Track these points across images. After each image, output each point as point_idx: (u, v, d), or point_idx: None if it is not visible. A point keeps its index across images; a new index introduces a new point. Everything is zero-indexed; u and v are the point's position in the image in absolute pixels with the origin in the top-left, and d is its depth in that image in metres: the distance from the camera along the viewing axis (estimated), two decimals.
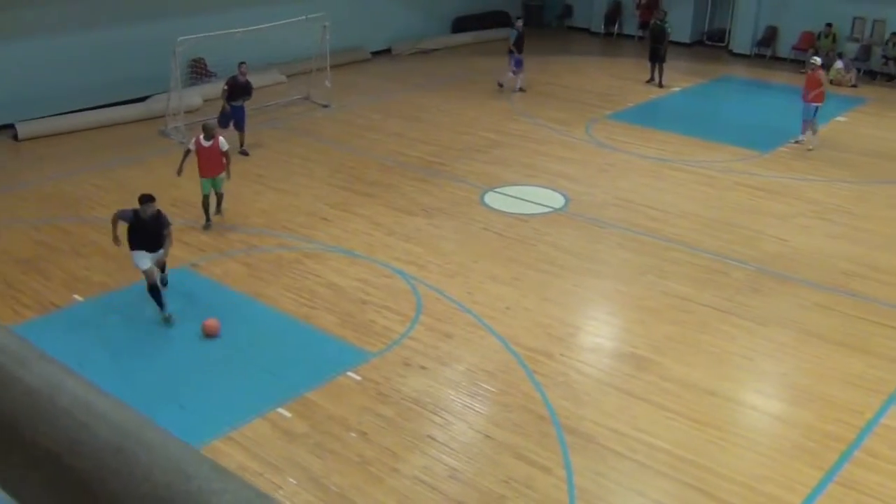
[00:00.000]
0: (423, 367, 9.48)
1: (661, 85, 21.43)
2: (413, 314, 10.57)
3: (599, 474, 7.87)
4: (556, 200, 14.25)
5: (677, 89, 21.33)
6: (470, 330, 10.26)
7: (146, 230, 10.13)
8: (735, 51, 25.75)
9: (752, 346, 10.06)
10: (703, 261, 12.18)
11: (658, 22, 21.58)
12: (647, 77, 21.84)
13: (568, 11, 29.33)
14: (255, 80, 18.70)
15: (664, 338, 10.18)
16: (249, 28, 17.71)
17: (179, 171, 12.84)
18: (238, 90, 15.96)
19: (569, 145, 17.15)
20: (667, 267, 11.98)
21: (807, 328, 10.45)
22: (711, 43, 26.82)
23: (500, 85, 21.13)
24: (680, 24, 26.80)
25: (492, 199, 14.31)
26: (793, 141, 17.26)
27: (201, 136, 12.53)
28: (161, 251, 10.32)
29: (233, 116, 16.12)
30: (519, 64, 20.73)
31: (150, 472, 1.21)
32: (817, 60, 17.47)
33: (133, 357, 9.67)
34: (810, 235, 13.14)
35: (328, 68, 19.40)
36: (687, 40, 26.81)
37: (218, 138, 12.56)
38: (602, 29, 28.20)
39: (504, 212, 13.78)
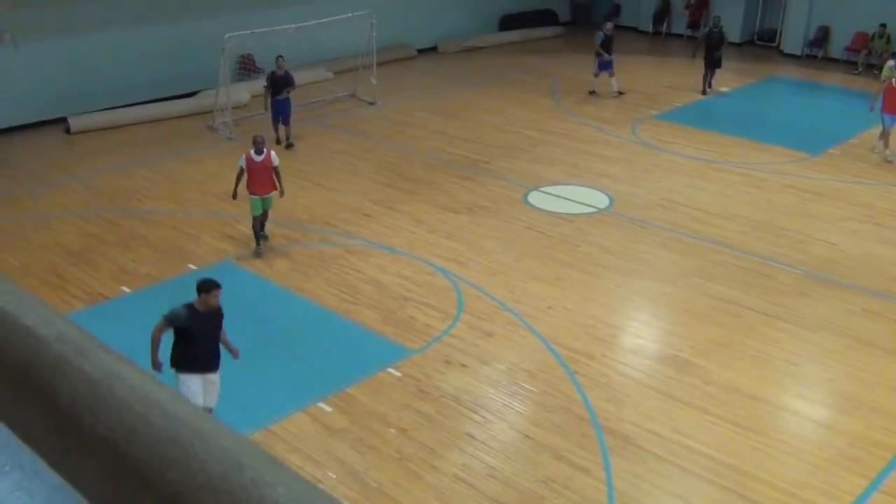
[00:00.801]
0: (463, 365, 9.50)
1: (710, 87, 20.81)
2: (454, 312, 10.60)
3: (639, 477, 7.82)
4: (600, 200, 14.17)
5: (726, 90, 21.05)
6: (511, 329, 10.25)
7: (204, 334, 7.70)
8: (786, 51, 25.34)
9: (798, 352, 9.92)
10: (750, 264, 12.02)
11: (714, 29, 20.63)
12: (701, 88, 20.81)
13: (616, 10, 29.09)
14: (302, 76, 18.90)
15: (708, 341, 10.07)
16: (297, 25, 17.86)
17: (235, 195, 11.85)
18: (279, 84, 16.16)
19: (613, 145, 17.04)
20: (712, 269, 11.85)
21: (855, 334, 10.28)
22: (762, 43, 26.43)
23: (592, 92, 20.51)
24: (730, 24, 26.42)
25: (535, 197, 14.27)
26: (887, 159, 16.28)
27: (251, 151, 11.70)
28: (217, 374, 7.96)
29: (280, 110, 16.28)
30: (605, 66, 20.05)
31: (204, 462, 1.24)
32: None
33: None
34: (861, 240, 12.91)
35: (374, 66, 19.50)
36: (737, 40, 26.44)
37: (270, 152, 11.82)
38: (650, 28, 27.95)
39: (547, 211, 13.74)
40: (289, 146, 16.44)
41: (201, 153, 16.35)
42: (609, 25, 20.18)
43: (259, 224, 11.98)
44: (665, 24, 27.79)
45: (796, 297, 11.15)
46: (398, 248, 12.33)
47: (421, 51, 24.60)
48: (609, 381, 9.27)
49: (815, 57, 24.87)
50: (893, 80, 16.13)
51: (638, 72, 22.75)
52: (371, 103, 19.52)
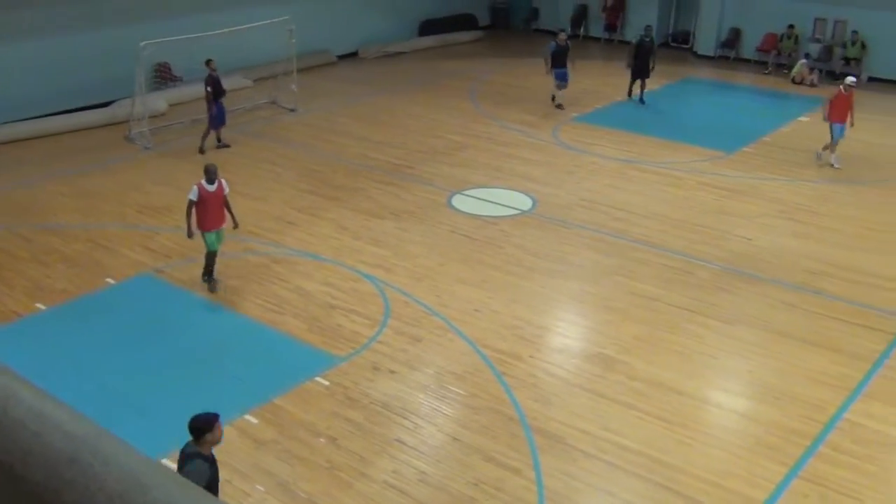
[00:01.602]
0: (391, 371, 9.46)
1: (642, 101, 20.36)
2: (381, 318, 10.55)
3: (569, 475, 7.90)
4: (524, 202, 14.30)
5: (630, 81, 21.46)
6: (438, 333, 10.26)
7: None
8: (699, 52, 26.00)
9: (719, 345, 10.16)
10: (670, 261, 12.28)
11: (645, 37, 20.13)
12: (626, 92, 20.74)
13: (534, 14, 29.45)
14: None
15: (632, 338, 10.24)
16: (214, 32, 17.59)
17: (191, 233, 10.81)
18: (219, 86, 16.15)
19: (535, 147, 17.22)
20: (634, 267, 12.06)
21: (773, 326, 10.58)
22: (676, 45, 27.06)
23: (559, 106, 19.84)
24: (642, 26, 27.02)
25: (459, 201, 14.32)
26: (834, 167, 16.16)
27: (203, 181, 10.72)
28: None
29: (221, 114, 16.32)
30: (561, 77, 19.50)
31: (104, 482, 1.20)
32: (853, 80, 16.36)
33: (95, 365, 9.54)
34: (775, 235, 13.30)
35: (294, 72, 19.32)
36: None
37: (222, 181, 10.89)
38: (568, 31, 28.29)
39: (471, 214, 13.80)
40: (225, 146, 16.59)
41: (118, 164, 15.95)
42: (563, 36, 19.73)
43: (214, 259, 11.08)
44: (582, 28, 28.22)
45: (715, 292, 11.42)
46: (323, 256, 12.23)
47: (341, 57, 24.48)
48: (537, 381, 9.35)
49: (727, 58, 25.58)
50: (842, 88, 16.01)
51: None
52: (292, 110, 19.34)
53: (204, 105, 16.35)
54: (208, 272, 11.16)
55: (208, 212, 10.74)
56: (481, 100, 20.81)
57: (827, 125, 16.21)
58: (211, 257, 11.04)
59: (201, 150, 16.31)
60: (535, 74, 23.34)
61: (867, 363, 9.77)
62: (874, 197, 14.96)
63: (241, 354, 9.83)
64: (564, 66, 19.49)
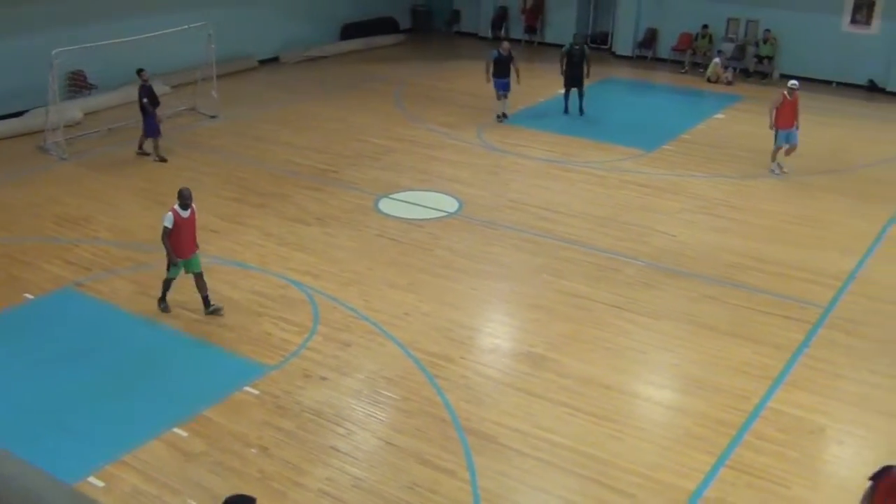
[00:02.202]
0: (322, 378, 9.37)
1: (581, 112, 19.59)
2: (310, 325, 10.45)
3: (502, 474, 7.93)
4: (450, 204, 14.33)
5: (563, 91, 21.70)
6: (369, 338, 10.20)
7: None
8: (618, 53, 26.46)
9: (646, 340, 10.34)
10: (596, 258, 12.45)
11: (575, 45, 19.39)
12: (563, 108, 19.80)
13: (456, 17, 29.57)
14: (135, 91, 18.21)
15: (561, 335, 10.35)
16: (130, 38, 17.20)
17: (174, 261, 10.29)
18: (153, 95, 15.87)
19: (461, 149, 17.28)
20: (561, 266, 12.19)
21: (697, 320, 10.81)
22: (595, 45, 27.45)
23: (502, 116, 19.21)
24: (564, 28, 27.41)
25: (386, 205, 14.28)
26: (781, 172, 16.08)
27: (177, 207, 10.17)
28: None
29: (153, 124, 16.02)
30: (501, 87, 18.78)
31: (8, 502, 1.15)
32: (795, 83, 15.95)
33: (18, 384, 9.22)
34: (696, 230, 13.60)
35: (214, 78, 19.01)
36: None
37: (192, 205, 10.37)
38: (489, 33, 28.53)
39: (399, 218, 13.77)
40: (162, 160, 16.18)
41: (33, 175, 15.46)
42: (506, 45, 18.89)
43: (204, 293, 10.53)
44: (503, 30, 28.42)
45: (641, 287, 11.62)
46: (249, 264, 12.05)
47: (262, 61, 24.19)
48: (468, 382, 9.37)
49: (644, 58, 26.09)
50: (786, 93, 15.69)
51: (480, 76, 23.11)
52: (213, 117, 19.02)
53: (122, 113, 15.98)
54: (163, 295, 10.67)
55: (182, 239, 10.24)
56: (406, 103, 20.80)
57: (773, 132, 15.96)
58: (169, 284, 10.56)
59: (143, 153, 16.24)
60: (459, 77, 23.49)
61: (788, 352, 10.06)
62: (790, 191, 15.42)
63: (168, 367, 9.61)
64: (506, 75, 18.71)
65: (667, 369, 9.86)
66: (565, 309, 10.99)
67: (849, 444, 8.59)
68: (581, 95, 19.62)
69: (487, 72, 18.79)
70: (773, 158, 16.21)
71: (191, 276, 10.54)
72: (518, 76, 18.87)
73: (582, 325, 10.62)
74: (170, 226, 10.15)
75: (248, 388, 9.14)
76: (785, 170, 16.12)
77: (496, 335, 10.52)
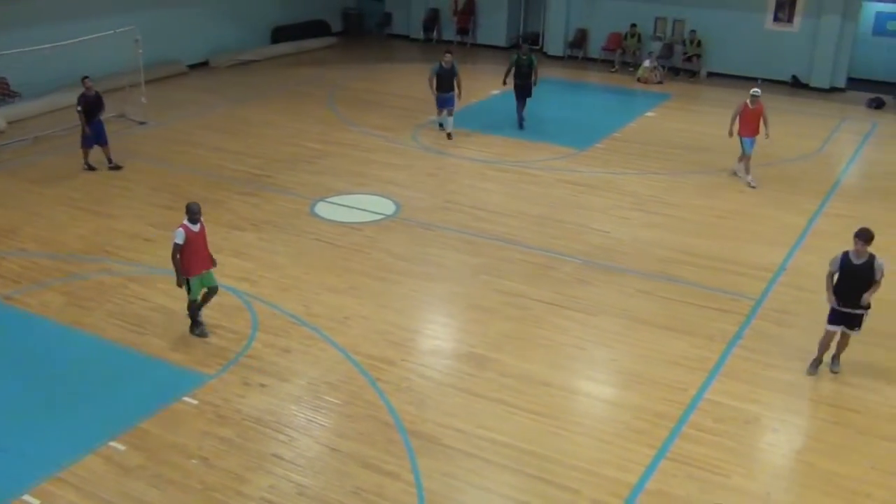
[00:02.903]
0: (262, 385, 9.27)
1: (521, 126, 18.85)
2: (249, 331, 10.32)
3: (447, 475, 7.95)
4: (387, 207, 14.31)
5: (497, 92, 21.86)
6: (309, 343, 10.13)
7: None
8: (549, 53, 26.74)
9: (584, 336, 10.47)
10: (534, 257, 12.56)
11: (522, 56, 18.49)
12: (517, 123, 18.96)
13: (387, 19, 29.54)
14: (62, 98, 17.82)
15: (500, 335, 10.42)
16: (54, 44, 16.77)
17: (181, 282, 9.88)
18: (93, 105, 15.43)
19: (396, 152, 17.26)
20: (499, 266, 12.27)
21: (633, 315, 10.98)
22: (526, 46, 27.67)
23: (442, 129, 18.31)
24: (495, 29, 27.65)
25: (322, 209, 14.19)
26: (750, 185, 15.62)
27: (186, 221, 9.82)
28: None
29: (94, 134, 15.55)
30: (445, 103, 17.81)
31: None
32: (757, 91, 15.61)
33: None
34: (630, 226, 13.82)
35: (143, 83, 18.67)
36: (503, 44, 27.64)
37: (201, 219, 10.01)
38: (421, 35, 28.58)
39: (336, 221, 13.70)
40: (116, 168, 15.76)
41: None
42: (447, 57, 17.73)
43: (199, 306, 10.19)
44: (435, 31, 28.52)
45: (578, 284, 11.76)
46: None
47: (192, 66, 23.83)
48: (410, 384, 9.37)
49: (575, 58, 26.43)
50: (749, 101, 15.36)
51: (413, 78, 23.17)
52: (142, 123, 18.66)
53: (49, 121, 15.58)
54: (194, 320, 10.22)
55: (194, 254, 9.82)
56: (339, 106, 20.70)
57: (737, 140, 15.68)
58: (195, 304, 10.10)
59: (90, 167, 15.71)
60: (392, 79, 23.50)
61: (722, 344, 10.29)
62: (719, 186, 15.77)
63: (103, 379, 9.39)
64: (449, 89, 17.69)
65: (605, 364, 9.99)
66: (504, 308, 11.07)
67: (783, 432, 8.82)
68: (525, 107, 18.88)
69: (431, 87, 17.74)
70: (747, 170, 15.74)
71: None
72: (459, 91, 17.89)
73: (521, 323, 10.70)
74: (181, 242, 9.70)
75: (186, 398, 8.99)
76: (753, 184, 15.64)
77: (437, 337, 10.53)
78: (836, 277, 9.46)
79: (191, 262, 9.85)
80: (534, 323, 10.72)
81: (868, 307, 9.43)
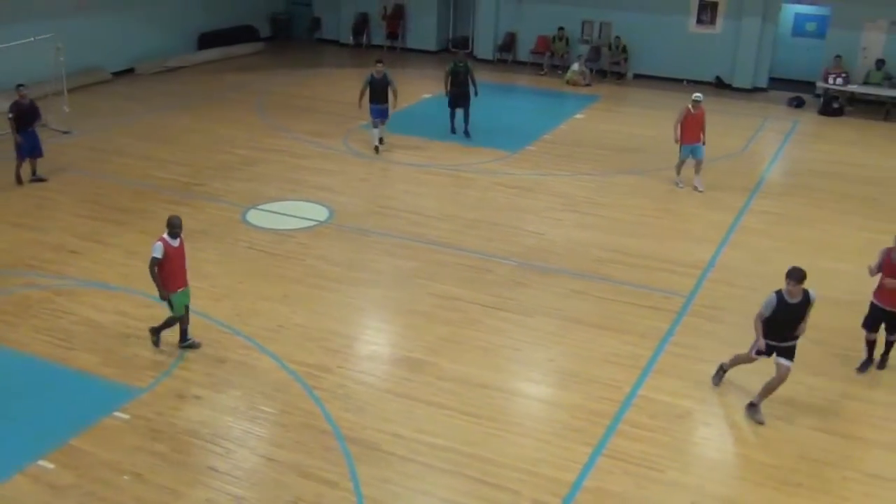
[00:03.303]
0: (196, 397, 9.10)
1: (467, 134, 18.48)
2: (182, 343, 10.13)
3: (386, 481, 7.91)
4: (320, 213, 14.20)
5: (428, 96, 21.92)
6: (243, 353, 9.99)
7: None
8: (479, 56, 26.88)
9: (520, 337, 10.54)
10: (468, 260, 12.60)
11: (459, 64, 18.20)
12: (449, 128, 18.69)
13: (316, 24, 29.35)
14: None
15: (437, 338, 10.42)
16: None
17: (165, 295, 9.55)
18: (26, 115, 14.94)
19: (328, 157, 17.16)
20: (434, 269, 12.28)
21: (567, 314, 11.10)
22: (456, 50, 27.81)
23: (376, 148, 17.43)
24: (425, 33, 27.70)
25: (254, 216, 14.02)
26: (698, 189, 15.58)
27: (166, 235, 9.53)
28: None
29: (28, 144, 15.05)
30: (378, 115, 17.11)
31: None
32: (699, 96, 15.47)
33: None
34: (563, 227, 13.97)
35: (65, 92, 18.21)
36: (433, 48, 27.71)
37: (181, 235, 9.72)
38: (351, 40, 28.47)
39: (268, 229, 13.54)
40: (39, 180, 15.28)
41: None
42: (379, 67, 17.10)
43: (184, 324, 9.92)
44: (365, 36, 28.44)
45: (513, 286, 11.84)
46: (112, 284, 11.58)
47: (116, 74, 23.32)
48: (347, 391, 9.31)
49: (505, 61, 26.62)
50: (690, 106, 15.30)
51: (343, 83, 23.06)
52: (65, 132, 18.19)
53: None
54: (183, 336, 9.96)
55: (173, 270, 9.54)
56: (269, 112, 20.48)
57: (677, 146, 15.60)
58: (174, 322, 9.82)
59: (20, 181, 15.21)
60: (322, 84, 23.38)
61: (654, 341, 10.46)
62: (649, 186, 16.04)
63: (30, 396, 9.11)
64: (383, 101, 17.04)
65: (542, 365, 10.08)
66: (440, 312, 11.08)
67: (715, 426, 9.01)
68: (466, 116, 18.47)
69: (361, 98, 17.04)
70: (678, 172, 15.84)
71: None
72: (395, 100, 17.27)
73: (457, 326, 10.72)
74: (159, 256, 9.38)
75: (117, 413, 8.78)
76: (700, 188, 15.61)
77: (373, 342, 10.49)
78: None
79: (169, 278, 9.54)
80: (470, 325, 10.75)
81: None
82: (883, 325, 9.89)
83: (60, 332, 10.31)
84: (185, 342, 10.02)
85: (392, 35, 28.00)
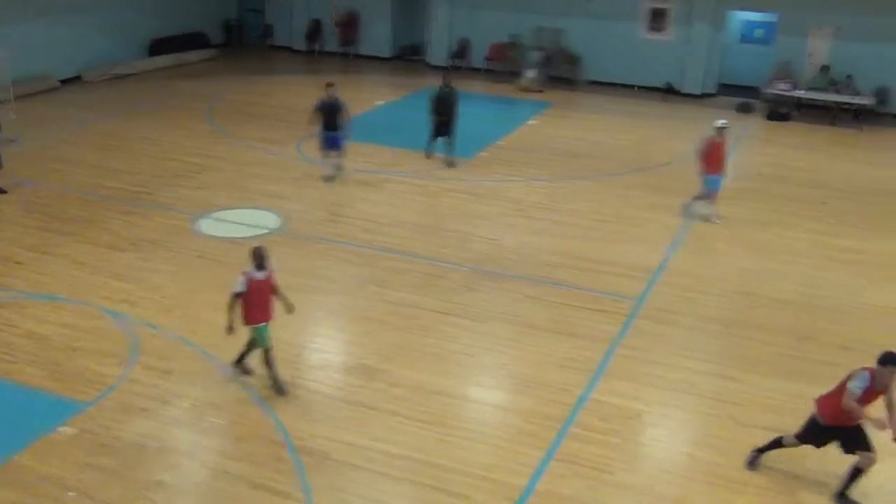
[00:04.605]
0: (144, 410, 8.96)
1: (451, 164, 17.20)
2: (129, 355, 9.96)
3: (338, 489, 7.86)
4: (272, 221, 14.10)
5: (382, 103, 21.91)
6: (192, 364, 9.86)
7: None
8: (433, 63, 26.93)
9: (473, 343, 10.55)
10: (421, 266, 12.58)
11: (445, 87, 17.10)
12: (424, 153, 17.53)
13: (268, 30, 29.19)
14: None
15: (390, 345, 10.39)
16: None
17: (231, 329, 9.12)
18: None
19: (280, 165, 17.04)
20: (387, 276, 12.24)
21: (520, 319, 11.13)
22: (410, 57, 27.86)
23: (328, 178, 16.12)
24: (380, 40, 27.69)
25: (205, 225, 13.86)
26: (716, 222, 14.58)
27: (251, 269, 9.06)
28: None
29: None
30: (330, 143, 15.75)
31: None
32: (724, 122, 14.27)
33: None
34: (515, 233, 14.02)
35: (11, 99, 17.89)
36: (388, 55, 27.72)
37: (268, 266, 9.20)
38: (304, 47, 28.36)
39: (219, 237, 13.40)
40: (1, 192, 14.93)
41: None
42: (330, 90, 15.66)
43: (273, 370, 9.34)
44: (318, 43, 28.35)
45: (466, 292, 11.85)
46: (59, 295, 11.36)
47: (64, 81, 22.93)
48: (299, 400, 9.23)
49: (459, 68, 26.67)
50: (715, 133, 14.16)
51: (296, 90, 22.96)
52: (12, 140, 17.82)
53: None
54: (276, 377, 9.37)
55: (257, 303, 9.07)
56: (220, 119, 20.30)
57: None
58: (269, 354, 9.29)
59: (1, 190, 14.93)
60: (274, 91, 23.27)
61: (605, 345, 10.54)
62: (600, 191, 16.18)
63: None
64: (332, 127, 15.59)
65: (494, 370, 10.09)
66: (393, 319, 11.04)
67: (664, 427, 9.09)
68: (451, 145, 17.16)
69: (310, 123, 15.89)
70: (706, 204, 14.63)
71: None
72: (347, 129, 15.81)
73: (411, 333, 10.70)
74: (241, 290, 8.99)
75: (62, 428, 8.60)
76: (717, 220, 14.61)
77: (325, 350, 10.42)
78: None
79: (252, 310, 9.10)
80: (423, 332, 10.73)
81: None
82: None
83: (2, 345, 10.09)
84: (279, 388, 9.35)
85: (346, 42, 27.94)
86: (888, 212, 15.70)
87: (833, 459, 8.10)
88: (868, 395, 7.42)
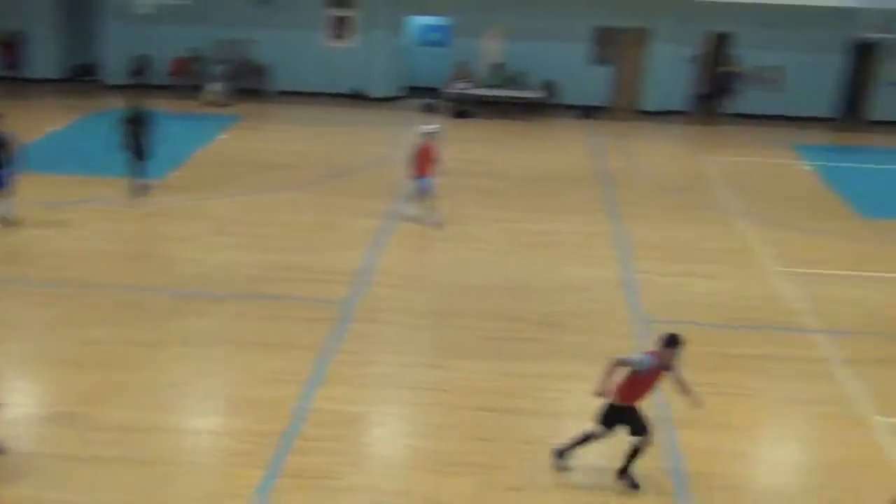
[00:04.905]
0: None
1: (145, 187, 15.99)
2: None
3: None
4: None
5: (52, 129, 20.36)
6: None
7: None
8: (110, 83, 25.45)
9: (184, 370, 10.13)
10: (121, 297, 11.87)
11: (135, 108, 16.02)
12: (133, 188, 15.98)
13: None
14: None
15: (90, 387, 9.66)
16: None
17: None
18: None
19: None
20: (82, 313, 11.40)
21: (231, 339, 10.85)
22: (84, 77, 26.19)
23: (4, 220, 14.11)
24: (46, 60, 25.77)
25: None
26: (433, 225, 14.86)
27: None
28: None
29: None
30: None
31: None
32: (432, 127, 14.98)
33: None
34: (218, 251, 13.66)
35: None
36: (57, 76, 25.86)
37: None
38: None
39: None
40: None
41: None
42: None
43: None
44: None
45: (173, 318, 11.34)
46: None
47: None
48: None
49: (140, 85, 25.41)
50: (422, 138, 14.72)
51: None
52: None
53: None
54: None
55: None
56: None
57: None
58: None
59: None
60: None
61: (318, 353, 10.55)
62: (299, 200, 16.19)
63: None
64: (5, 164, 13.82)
65: (206, 395, 9.75)
66: (91, 357, 10.30)
67: (385, 424, 9.32)
68: (143, 167, 15.91)
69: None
70: (423, 209, 14.99)
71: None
72: (14, 170, 14.02)
73: (113, 370, 10.04)
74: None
75: None
76: (439, 223, 14.97)
77: (16, 404, 9.40)
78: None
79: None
80: (129, 367, 10.11)
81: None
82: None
83: None
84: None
85: (9, 65, 25.63)
86: (556, 192, 17.20)
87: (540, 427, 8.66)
88: (654, 373, 7.89)
